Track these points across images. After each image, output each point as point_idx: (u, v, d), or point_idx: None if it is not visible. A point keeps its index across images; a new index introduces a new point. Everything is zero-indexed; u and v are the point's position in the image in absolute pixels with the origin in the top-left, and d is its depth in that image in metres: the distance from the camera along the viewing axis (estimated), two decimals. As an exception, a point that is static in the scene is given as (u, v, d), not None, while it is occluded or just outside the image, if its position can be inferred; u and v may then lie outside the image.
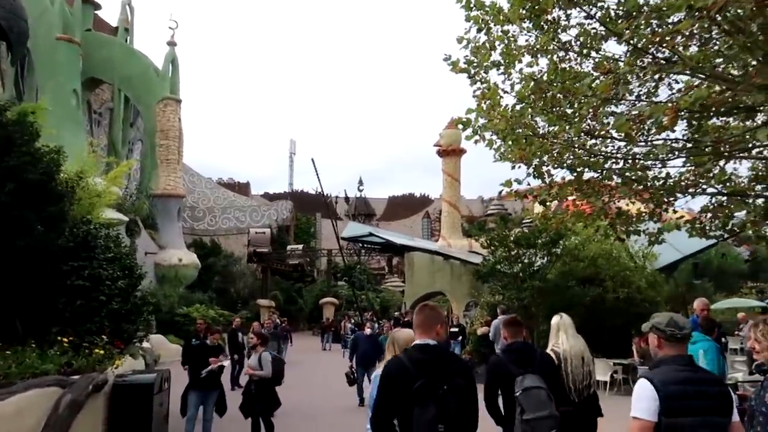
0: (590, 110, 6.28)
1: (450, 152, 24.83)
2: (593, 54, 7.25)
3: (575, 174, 7.29)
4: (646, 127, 6.39)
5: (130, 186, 31.03)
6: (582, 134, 6.66)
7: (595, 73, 6.86)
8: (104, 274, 7.92)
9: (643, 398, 2.77)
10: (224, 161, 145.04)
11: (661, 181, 8.74)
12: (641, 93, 7.05)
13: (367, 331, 10.80)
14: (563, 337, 4.96)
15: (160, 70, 32.22)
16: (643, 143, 7.84)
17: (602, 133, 6.84)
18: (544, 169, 8.91)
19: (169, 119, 31.14)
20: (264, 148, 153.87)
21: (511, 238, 14.20)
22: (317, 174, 20.80)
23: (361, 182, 70.30)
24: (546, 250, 14.06)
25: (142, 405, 7.34)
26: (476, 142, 7.19)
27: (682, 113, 5.77)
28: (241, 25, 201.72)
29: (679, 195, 9.26)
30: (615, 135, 7.23)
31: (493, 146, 7.32)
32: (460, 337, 14.53)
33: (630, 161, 7.95)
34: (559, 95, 6.44)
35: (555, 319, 5.16)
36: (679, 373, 2.80)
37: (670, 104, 5.31)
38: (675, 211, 9.55)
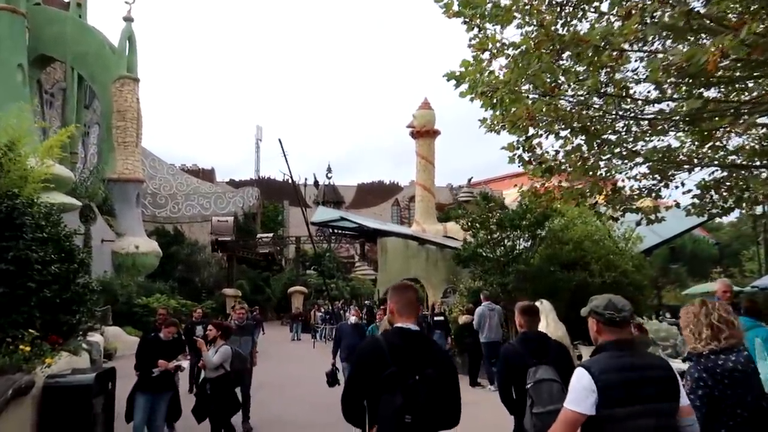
0: (611, 59, 5.36)
1: (424, 134, 23.86)
2: (590, 13, 6.39)
3: (587, 135, 6.37)
4: (676, 74, 5.51)
5: (84, 170, 29.21)
6: (599, 88, 5.74)
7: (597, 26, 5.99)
8: (34, 256, 6.70)
9: (579, 389, 2.63)
10: (188, 148, 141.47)
11: (660, 154, 8.05)
12: (661, 47, 6.20)
13: (352, 319, 9.46)
14: (544, 323, 4.96)
15: (116, 48, 30.43)
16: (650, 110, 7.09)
17: (620, 88, 5.94)
18: (536, 141, 8.13)
19: (126, 99, 29.42)
20: (230, 135, 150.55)
21: (494, 220, 13.31)
22: (284, 155, 19.67)
23: (329, 169, 69.16)
24: (530, 233, 13.22)
25: (79, 410, 6.21)
26: (472, 99, 6.21)
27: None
28: (204, 5, 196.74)
29: (683, 167, 8.58)
30: (623, 92, 6.42)
31: (489, 105, 6.34)
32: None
33: (643, 123, 7.15)
34: (573, 42, 5.48)
35: (536, 305, 4.97)
36: (619, 360, 2.66)
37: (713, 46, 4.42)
38: (680, 185, 8.90)
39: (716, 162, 8.38)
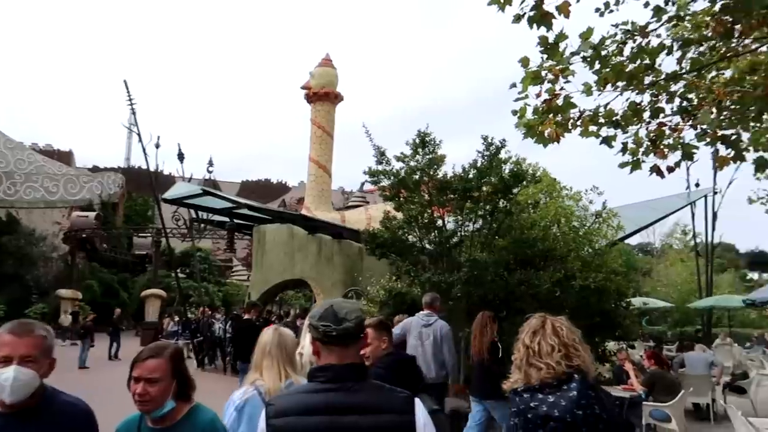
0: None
1: (322, 96, 18.76)
2: None
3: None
4: None
5: None
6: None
7: None
8: None
9: None
10: (55, 132, 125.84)
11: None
12: None
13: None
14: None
15: None
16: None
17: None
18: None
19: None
20: (108, 124, 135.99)
21: (434, 181, 8.43)
22: (131, 101, 13.90)
23: (211, 163, 61.73)
24: (489, 206, 8.46)
25: None
26: None
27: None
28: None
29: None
30: None
31: None
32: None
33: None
34: None
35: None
36: (313, 396, 1.86)
37: None
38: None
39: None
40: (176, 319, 20.04)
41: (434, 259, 8.94)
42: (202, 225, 20.44)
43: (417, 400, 1.93)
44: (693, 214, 21.07)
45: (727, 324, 24.22)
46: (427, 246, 8.95)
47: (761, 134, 7.05)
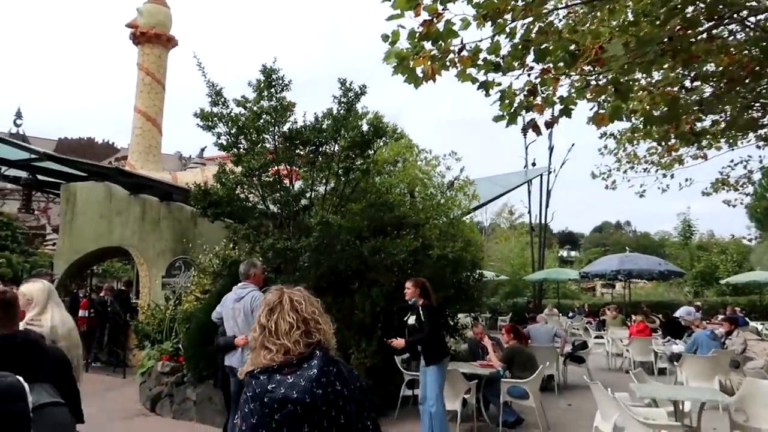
0: None
1: (152, 38, 16.30)
2: None
3: None
4: None
5: None
6: None
7: None
8: None
9: None
10: None
11: None
12: None
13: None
14: (49, 315, 3.51)
15: None
16: None
17: None
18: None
19: None
20: None
21: (282, 128, 7.13)
22: None
23: (19, 114, 53.85)
24: (346, 164, 7.37)
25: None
26: None
27: None
28: None
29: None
30: None
31: None
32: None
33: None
34: None
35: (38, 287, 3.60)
36: None
37: None
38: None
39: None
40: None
41: (279, 222, 7.71)
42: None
43: (26, 385, 1.76)
44: (529, 192, 21.99)
45: (554, 296, 26.03)
46: (272, 207, 7.71)
47: (618, 108, 6.72)
